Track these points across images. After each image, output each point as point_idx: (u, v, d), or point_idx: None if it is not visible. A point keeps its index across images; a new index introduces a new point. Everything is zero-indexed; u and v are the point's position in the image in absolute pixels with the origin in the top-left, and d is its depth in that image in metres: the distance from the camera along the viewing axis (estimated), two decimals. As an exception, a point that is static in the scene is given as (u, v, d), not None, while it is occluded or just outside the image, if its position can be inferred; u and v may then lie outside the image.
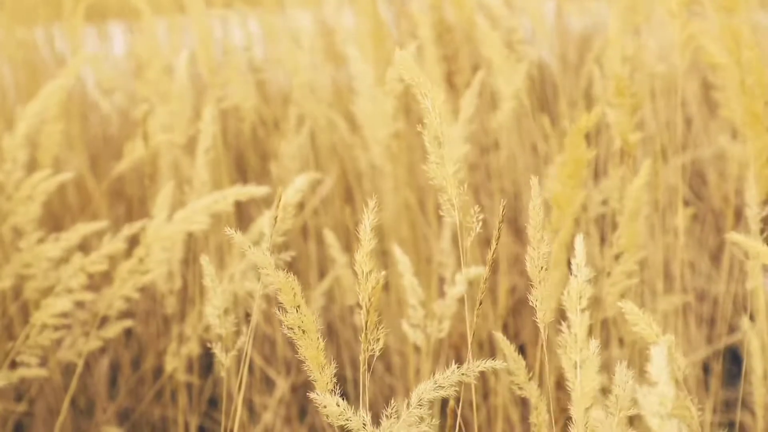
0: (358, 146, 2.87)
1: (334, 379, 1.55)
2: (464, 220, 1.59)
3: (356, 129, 2.95)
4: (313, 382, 1.55)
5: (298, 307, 1.53)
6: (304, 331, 1.54)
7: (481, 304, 1.60)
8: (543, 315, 1.58)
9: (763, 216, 1.86)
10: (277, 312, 1.54)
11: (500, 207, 1.59)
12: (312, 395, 1.50)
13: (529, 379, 1.66)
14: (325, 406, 1.49)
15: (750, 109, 2.15)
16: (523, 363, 1.65)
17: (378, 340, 1.56)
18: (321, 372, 1.55)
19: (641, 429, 1.89)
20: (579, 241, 1.51)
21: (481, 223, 1.58)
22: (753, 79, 2.16)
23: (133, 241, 2.39)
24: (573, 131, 2.02)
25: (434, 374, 2.25)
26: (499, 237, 1.59)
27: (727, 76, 2.23)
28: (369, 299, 1.54)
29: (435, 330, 2.12)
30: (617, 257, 2.14)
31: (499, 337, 1.65)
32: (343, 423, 1.49)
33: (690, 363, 2.56)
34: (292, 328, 1.54)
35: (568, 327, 1.48)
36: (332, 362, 1.56)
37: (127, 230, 2.30)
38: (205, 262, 1.78)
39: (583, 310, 1.48)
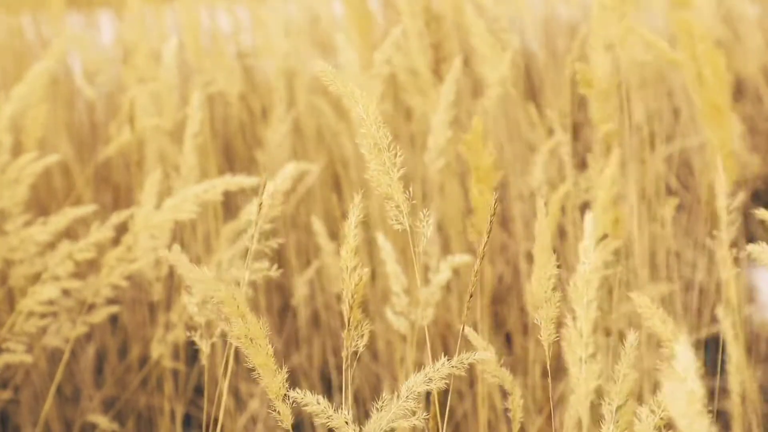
0: (344, 134, 2.87)
1: (287, 384, 1.54)
2: (414, 226, 1.57)
3: (343, 116, 2.95)
4: (266, 389, 1.54)
5: (243, 316, 1.52)
6: (251, 340, 1.53)
7: (471, 296, 1.59)
8: (548, 335, 1.56)
9: (734, 206, 1.86)
10: (222, 324, 1.52)
11: (492, 202, 1.59)
12: (293, 393, 1.50)
13: (505, 364, 1.66)
14: (306, 405, 1.49)
15: (709, 101, 2.15)
16: (493, 350, 1.65)
17: (362, 336, 1.56)
18: (273, 378, 1.54)
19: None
20: (588, 221, 1.47)
21: (431, 227, 1.57)
22: (709, 71, 2.16)
23: (121, 229, 2.38)
24: (467, 140, 2.03)
25: (421, 363, 2.26)
26: (490, 230, 1.58)
27: (684, 70, 2.23)
28: (352, 296, 1.53)
29: (419, 317, 2.12)
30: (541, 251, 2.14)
31: (469, 330, 1.65)
32: (324, 421, 1.49)
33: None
34: (239, 338, 1.53)
35: (574, 320, 1.45)
36: (284, 367, 1.54)
37: (116, 218, 2.29)
38: (176, 250, 1.75)
39: (590, 302, 1.45)
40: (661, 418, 1.42)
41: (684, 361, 1.14)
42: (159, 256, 2.56)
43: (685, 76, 2.24)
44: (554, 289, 1.58)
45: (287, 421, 1.49)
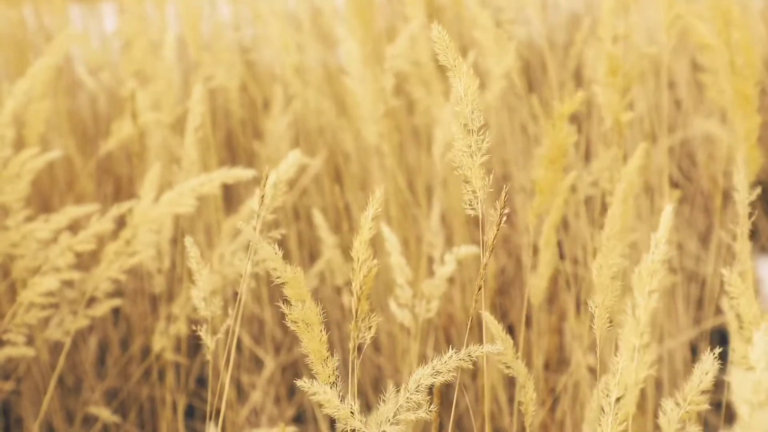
0: (346, 127, 2.87)
1: (336, 372, 1.55)
2: (488, 214, 1.56)
3: (345, 110, 2.94)
4: (316, 375, 1.54)
5: (303, 300, 1.52)
6: (307, 325, 1.53)
7: (480, 289, 1.59)
8: (602, 323, 1.55)
9: (752, 199, 1.85)
10: (281, 305, 1.52)
11: (502, 193, 1.58)
12: (300, 383, 1.50)
13: (516, 358, 1.66)
14: (314, 395, 1.49)
15: (739, 90, 2.14)
16: (511, 342, 1.65)
17: (369, 328, 1.56)
18: (324, 365, 1.54)
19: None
20: (666, 214, 1.46)
21: (506, 218, 1.56)
22: (742, 60, 2.15)
23: (122, 222, 2.38)
24: (555, 116, 2.01)
25: (424, 356, 2.26)
26: (500, 223, 1.57)
27: (716, 57, 2.22)
28: (361, 287, 1.53)
29: (423, 310, 2.12)
30: (609, 250, 2.14)
31: (488, 317, 1.65)
32: (331, 411, 1.49)
33: (678, 344, 2.57)
34: (296, 322, 1.53)
35: (633, 309, 1.45)
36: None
37: (116, 210, 2.29)
38: (189, 243, 1.76)
39: (651, 293, 1.44)
40: (687, 412, 1.41)
41: (760, 349, 1.14)
42: (161, 248, 2.56)
43: (717, 63, 2.23)
44: (614, 277, 1.57)
45: (328, 409, 1.49)
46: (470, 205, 1.56)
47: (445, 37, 1.54)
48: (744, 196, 1.82)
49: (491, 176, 1.56)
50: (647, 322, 1.43)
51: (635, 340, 1.43)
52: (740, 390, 1.10)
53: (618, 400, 1.44)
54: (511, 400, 2.51)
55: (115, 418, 2.60)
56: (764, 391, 1.09)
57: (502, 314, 2.85)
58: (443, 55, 1.53)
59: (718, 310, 2.72)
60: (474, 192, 1.56)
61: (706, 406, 1.41)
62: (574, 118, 2.87)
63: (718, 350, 1.43)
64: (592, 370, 2.33)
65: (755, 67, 2.16)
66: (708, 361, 1.40)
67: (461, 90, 1.54)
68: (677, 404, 1.42)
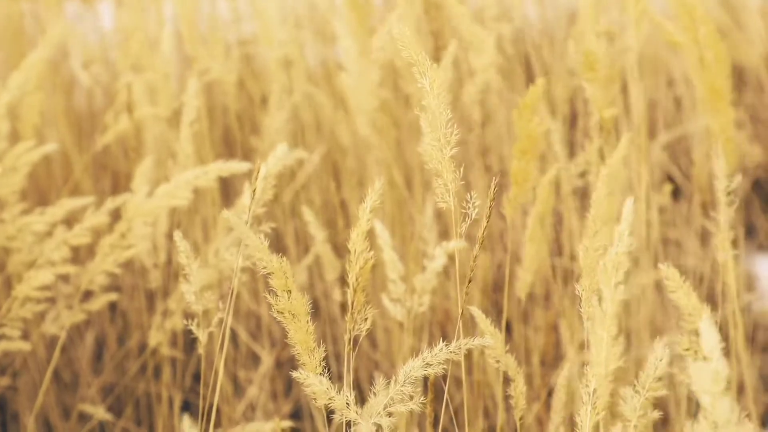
0: (343, 122, 2.86)
1: (323, 363, 1.55)
2: (459, 206, 1.56)
3: (342, 104, 2.94)
4: (302, 366, 1.55)
5: (289, 291, 1.53)
6: (294, 315, 1.53)
7: (470, 282, 1.59)
8: (588, 308, 1.56)
9: (732, 188, 1.85)
10: (267, 296, 1.53)
11: (491, 185, 1.58)
12: (295, 374, 1.50)
13: (507, 351, 1.66)
14: (309, 386, 1.49)
15: (710, 85, 2.14)
16: (501, 336, 1.65)
17: (366, 319, 1.56)
18: (310, 356, 1.54)
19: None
20: (628, 206, 1.48)
21: (476, 209, 1.56)
22: (711, 55, 2.16)
23: (117, 215, 2.38)
24: (521, 106, 2.01)
25: (417, 350, 2.25)
26: (489, 216, 1.58)
27: (685, 53, 2.22)
28: (357, 279, 1.53)
29: (416, 304, 2.12)
30: (594, 233, 2.13)
31: (476, 312, 1.65)
32: (326, 402, 1.49)
33: (673, 340, 2.56)
34: (282, 313, 1.53)
35: (599, 301, 1.46)
36: (321, 344, 1.56)
37: (110, 203, 2.30)
38: (179, 237, 1.75)
39: (617, 285, 1.46)
40: (647, 399, 1.42)
41: (709, 339, 1.14)
42: (157, 242, 2.56)
43: (687, 60, 2.23)
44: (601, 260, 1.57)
45: (321, 400, 1.50)
46: (442, 198, 1.56)
47: (407, 33, 1.54)
48: (722, 185, 1.82)
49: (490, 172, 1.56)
50: (614, 314, 1.44)
51: (603, 332, 1.44)
52: (699, 380, 1.11)
53: (595, 391, 1.45)
54: (506, 396, 2.51)
55: (109, 417, 2.60)
56: (722, 380, 1.10)
57: (499, 310, 2.84)
58: (406, 50, 1.53)
59: (714, 308, 2.71)
60: (445, 185, 1.56)
61: (664, 392, 1.42)
62: (574, 114, 2.87)
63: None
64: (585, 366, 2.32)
65: (724, 61, 2.16)
66: (659, 349, 1.42)
67: (427, 84, 1.54)
68: (636, 392, 1.44)
